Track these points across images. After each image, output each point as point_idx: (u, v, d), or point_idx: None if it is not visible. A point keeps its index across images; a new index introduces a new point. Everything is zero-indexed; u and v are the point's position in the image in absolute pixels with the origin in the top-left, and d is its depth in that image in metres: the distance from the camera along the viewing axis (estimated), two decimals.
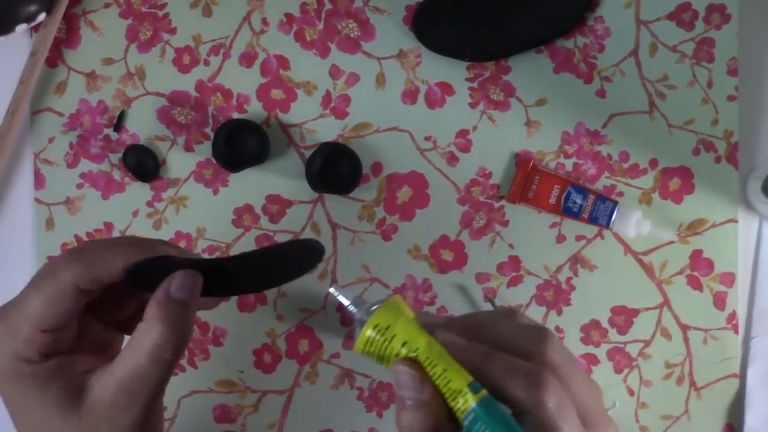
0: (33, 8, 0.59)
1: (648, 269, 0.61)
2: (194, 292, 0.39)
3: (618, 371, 0.61)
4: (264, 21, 0.62)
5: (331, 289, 0.39)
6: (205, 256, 0.62)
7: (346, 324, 0.62)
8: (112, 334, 0.43)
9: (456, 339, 0.36)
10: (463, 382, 0.34)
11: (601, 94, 0.61)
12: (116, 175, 0.62)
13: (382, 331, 0.36)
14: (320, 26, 0.62)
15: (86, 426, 0.37)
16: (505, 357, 0.35)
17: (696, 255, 0.61)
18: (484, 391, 0.34)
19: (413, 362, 0.36)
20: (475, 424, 0.34)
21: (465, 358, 0.35)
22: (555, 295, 0.61)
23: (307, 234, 0.61)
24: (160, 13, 0.62)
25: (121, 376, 0.37)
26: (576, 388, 0.36)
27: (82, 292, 0.38)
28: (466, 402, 0.34)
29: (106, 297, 0.40)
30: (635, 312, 0.61)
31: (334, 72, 0.62)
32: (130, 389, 0.38)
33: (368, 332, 0.36)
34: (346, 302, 0.38)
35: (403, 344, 0.36)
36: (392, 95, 0.62)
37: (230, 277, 0.40)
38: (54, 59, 0.62)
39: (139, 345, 0.38)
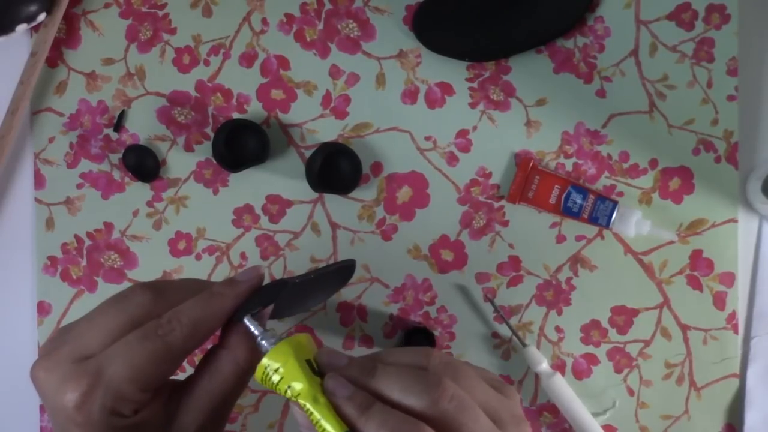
0: (33, 8, 0.59)
1: (648, 269, 0.61)
2: (267, 316, 0.41)
3: (618, 371, 0.61)
4: (264, 21, 0.62)
5: (246, 320, 0.39)
6: (206, 256, 0.62)
7: (346, 324, 0.62)
8: None
9: (341, 388, 0.36)
10: (336, 431, 0.35)
11: (601, 94, 0.61)
12: (116, 175, 0.62)
13: (273, 371, 0.37)
14: (320, 26, 0.62)
15: None
16: (381, 411, 0.35)
17: (696, 255, 0.61)
18: None
19: None
20: None
21: (343, 411, 0.36)
22: (555, 295, 0.61)
23: (307, 234, 0.61)
24: (160, 13, 0.62)
25: (207, 404, 0.39)
26: (475, 428, 0.36)
27: (188, 353, 0.38)
28: None
29: None
30: (635, 312, 0.61)
31: (334, 72, 0.62)
32: (216, 414, 0.39)
33: (260, 371, 0.37)
34: (256, 333, 0.39)
35: (288, 387, 0.36)
36: (392, 95, 0.62)
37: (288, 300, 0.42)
38: (54, 59, 0.62)
39: (224, 372, 0.39)
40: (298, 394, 0.36)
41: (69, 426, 0.37)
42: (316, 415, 0.36)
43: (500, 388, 0.40)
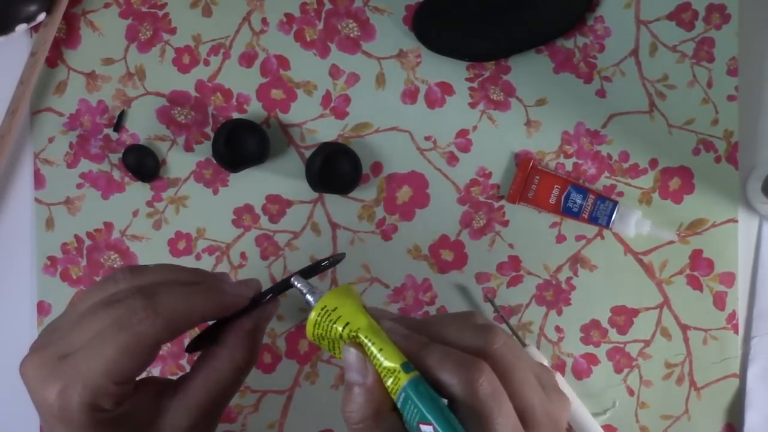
0: (33, 8, 0.59)
1: (648, 269, 0.61)
2: (270, 319, 0.41)
3: (618, 371, 0.61)
4: (264, 21, 0.62)
5: (294, 280, 0.39)
6: (206, 256, 0.62)
7: None
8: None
9: (399, 327, 0.37)
10: (397, 361, 0.35)
11: (601, 94, 0.61)
12: (116, 175, 0.62)
13: (328, 312, 0.37)
14: (320, 26, 0.62)
15: None
16: (441, 347, 0.36)
17: (696, 255, 0.61)
18: (416, 372, 0.35)
19: (361, 346, 0.36)
20: (406, 404, 0.35)
21: (403, 345, 0.36)
22: (555, 295, 0.61)
23: (307, 234, 0.61)
24: (160, 13, 0.62)
25: (201, 401, 0.39)
26: (518, 386, 0.36)
27: (160, 345, 0.38)
28: (397, 381, 0.35)
29: None
30: (635, 312, 0.61)
31: (334, 72, 0.62)
32: (210, 412, 0.39)
33: (314, 314, 0.37)
34: (304, 290, 0.39)
35: (345, 325, 0.36)
36: (392, 95, 0.62)
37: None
38: (54, 59, 0.62)
39: (221, 370, 0.39)
40: (358, 328, 0.36)
41: (53, 422, 0.37)
42: (377, 345, 0.35)
43: (553, 390, 0.39)
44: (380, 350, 0.35)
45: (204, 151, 0.62)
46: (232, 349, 0.39)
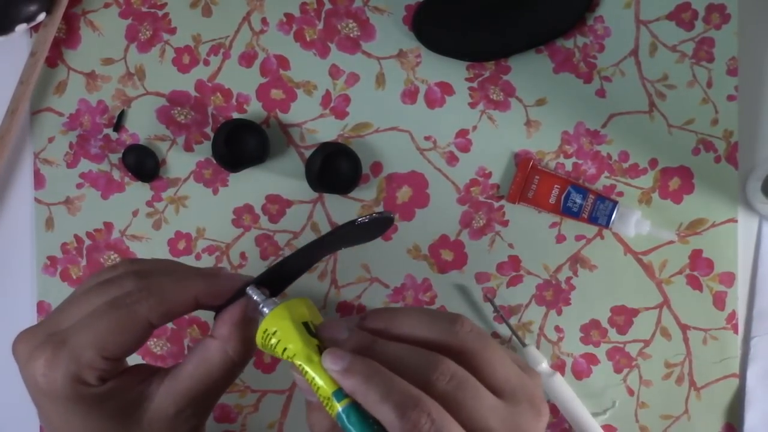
0: (33, 8, 0.59)
1: (648, 269, 0.61)
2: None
3: (618, 371, 0.61)
4: (264, 21, 0.62)
5: (249, 290, 0.40)
6: (206, 256, 0.62)
7: None
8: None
9: (340, 357, 0.36)
10: (329, 389, 0.36)
11: (601, 93, 0.61)
12: (116, 175, 0.62)
13: (271, 334, 0.38)
14: (320, 26, 0.62)
15: None
16: (385, 377, 0.35)
17: (696, 255, 0.61)
18: (347, 400, 0.36)
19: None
20: (344, 428, 0.36)
21: (343, 382, 0.36)
22: (555, 295, 0.61)
23: (307, 234, 0.62)
24: (160, 13, 0.62)
25: (190, 389, 0.39)
26: (491, 363, 0.36)
27: (152, 326, 0.38)
28: (332, 408, 0.36)
29: None
30: (635, 312, 0.61)
31: (334, 72, 0.62)
32: (199, 402, 0.39)
33: (260, 335, 0.38)
34: (258, 300, 0.40)
35: (284, 350, 0.37)
36: (392, 95, 0.62)
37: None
38: (54, 59, 0.62)
39: (212, 360, 0.39)
40: (294, 355, 0.37)
41: (38, 397, 0.38)
42: (311, 373, 0.37)
43: (525, 368, 0.39)
44: (312, 379, 0.37)
45: (204, 151, 0.62)
46: (224, 340, 0.39)
